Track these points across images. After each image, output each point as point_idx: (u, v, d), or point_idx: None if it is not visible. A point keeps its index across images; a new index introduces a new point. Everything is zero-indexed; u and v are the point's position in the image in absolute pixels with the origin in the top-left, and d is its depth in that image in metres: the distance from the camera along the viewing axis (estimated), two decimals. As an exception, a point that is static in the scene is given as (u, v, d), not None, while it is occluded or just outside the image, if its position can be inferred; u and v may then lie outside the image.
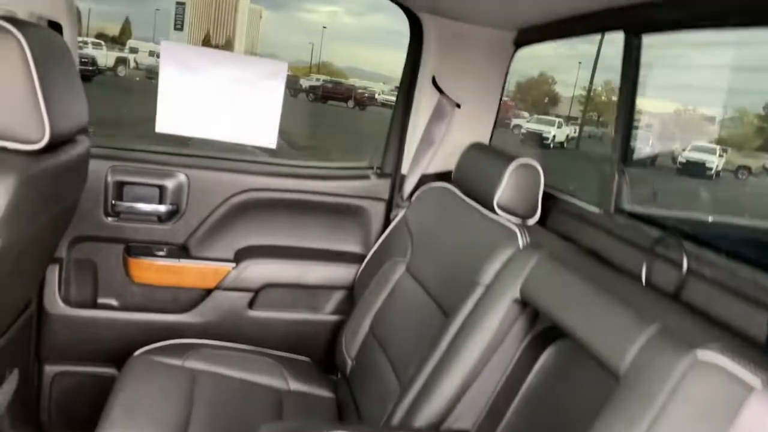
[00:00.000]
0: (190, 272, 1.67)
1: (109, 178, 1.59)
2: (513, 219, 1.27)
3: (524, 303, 1.04)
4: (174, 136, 1.60)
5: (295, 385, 1.54)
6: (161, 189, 1.63)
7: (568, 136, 20.10)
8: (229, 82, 1.62)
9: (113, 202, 1.61)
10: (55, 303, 1.59)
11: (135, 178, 1.62)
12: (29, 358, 1.59)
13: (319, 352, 1.75)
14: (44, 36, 1.07)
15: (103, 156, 1.58)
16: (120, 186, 1.61)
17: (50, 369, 1.64)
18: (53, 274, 1.58)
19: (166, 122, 1.60)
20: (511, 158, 1.29)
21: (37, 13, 1.38)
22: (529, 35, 1.59)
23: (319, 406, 1.51)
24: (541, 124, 19.77)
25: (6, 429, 1.59)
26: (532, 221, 1.31)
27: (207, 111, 1.62)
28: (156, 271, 1.65)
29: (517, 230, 1.18)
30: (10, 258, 1.03)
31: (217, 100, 1.62)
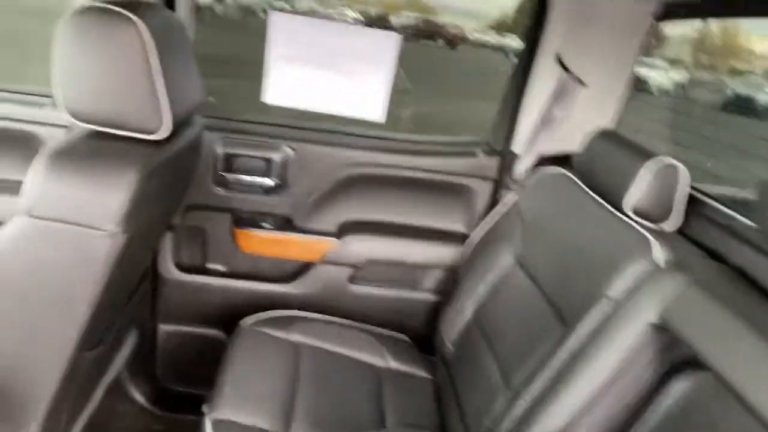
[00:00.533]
0: (294, 244, 1.69)
1: (219, 150, 1.61)
2: (646, 224, 1.16)
3: (662, 328, 0.96)
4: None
5: (394, 364, 1.54)
6: (268, 162, 1.64)
7: (674, 81, 18.61)
8: (338, 53, 1.56)
9: (222, 173, 1.63)
10: (169, 268, 1.66)
11: (244, 150, 1.62)
12: (146, 319, 1.68)
13: (418, 331, 1.74)
14: (162, 19, 1.05)
15: (214, 127, 1.60)
16: (229, 158, 1.63)
17: (164, 328, 1.73)
18: (167, 240, 1.64)
19: (274, 93, 1.59)
20: (648, 155, 1.17)
21: None
22: (675, 9, 1.41)
23: (418, 387, 1.51)
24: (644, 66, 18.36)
25: (126, 381, 1.72)
26: (669, 228, 1.19)
27: (315, 83, 1.59)
28: (262, 241, 1.68)
29: (653, 240, 1.07)
30: (135, 244, 1.06)
31: (326, 71, 1.58)
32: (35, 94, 1.59)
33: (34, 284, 0.97)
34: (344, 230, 1.71)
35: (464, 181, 1.72)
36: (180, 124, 1.10)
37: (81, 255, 0.97)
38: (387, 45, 1.56)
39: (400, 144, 1.72)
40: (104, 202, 0.95)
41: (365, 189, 1.72)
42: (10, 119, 1.53)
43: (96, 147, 1.02)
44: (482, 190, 1.73)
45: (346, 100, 1.60)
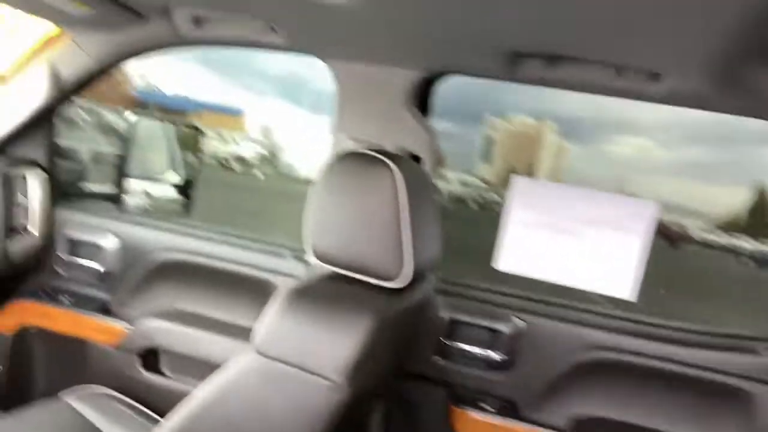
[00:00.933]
0: None
1: (443, 315, 1.50)
2: None
3: None
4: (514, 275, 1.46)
5: None
6: (496, 333, 1.47)
7: None
8: (583, 220, 1.42)
9: (444, 340, 1.50)
10: None
11: (469, 317, 1.49)
12: None
13: None
14: (414, 170, 1.04)
15: (439, 289, 1.51)
16: (453, 324, 1.50)
17: None
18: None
19: (509, 260, 1.47)
20: None
21: (403, 146, 1.42)
22: None
23: None
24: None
25: None
26: None
27: (555, 251, 1.44)
28: (480, 426, 1.46)
29: None
30: (355, 403, 0.95)
31: (568, 239, 1.43)
32: (277, 246, 1.71)
33: (253, 424, 0.89)
34: (579, 428, 1.42)
35: (740, 384, 1.36)
36: (419, 278, 1.03)
37: (301, 402, 0.88)
38: (642, 214, 1.38)
39: (654, 329, 1.44)
40: (334, 348, 0.88)
41: (608, 379, 1.44)
42: (252, 266, 1.63)
43: (333, 289, 0.99)
44: (766, 399, 1.34)
45: (591, 273, 1.42)
